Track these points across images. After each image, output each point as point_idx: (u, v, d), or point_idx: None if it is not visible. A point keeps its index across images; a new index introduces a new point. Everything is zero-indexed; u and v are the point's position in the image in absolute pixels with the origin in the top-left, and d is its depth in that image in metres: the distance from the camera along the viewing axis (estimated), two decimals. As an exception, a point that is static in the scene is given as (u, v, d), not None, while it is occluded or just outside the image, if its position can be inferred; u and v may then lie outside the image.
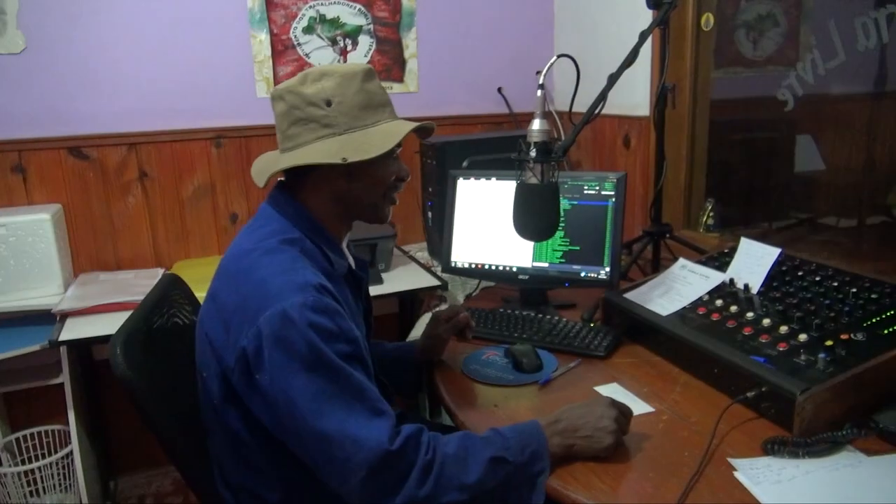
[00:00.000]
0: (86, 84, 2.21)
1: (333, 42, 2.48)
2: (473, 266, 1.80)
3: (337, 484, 0.98)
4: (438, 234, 2.03)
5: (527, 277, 1.74)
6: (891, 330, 1.18)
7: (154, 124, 2.30)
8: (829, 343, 1.16)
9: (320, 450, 0.98)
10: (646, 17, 2.09)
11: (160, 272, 2.26)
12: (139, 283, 2.08)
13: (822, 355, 1.13)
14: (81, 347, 2.10)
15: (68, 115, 2.20)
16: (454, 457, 0.99)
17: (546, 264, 1.72)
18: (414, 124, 1.19)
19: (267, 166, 1.18)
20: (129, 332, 1.14)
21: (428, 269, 2.27)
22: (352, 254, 1.31)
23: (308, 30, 2.43)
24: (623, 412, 1.09)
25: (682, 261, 1.60)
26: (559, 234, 1.69)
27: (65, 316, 1.90)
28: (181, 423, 1.15)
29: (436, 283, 2.12)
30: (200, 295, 1.89)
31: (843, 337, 1.17)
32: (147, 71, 2.26)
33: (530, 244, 1.72)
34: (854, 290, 1.32)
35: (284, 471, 1.10)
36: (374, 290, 2.06)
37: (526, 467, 1.01)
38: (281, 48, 2.41)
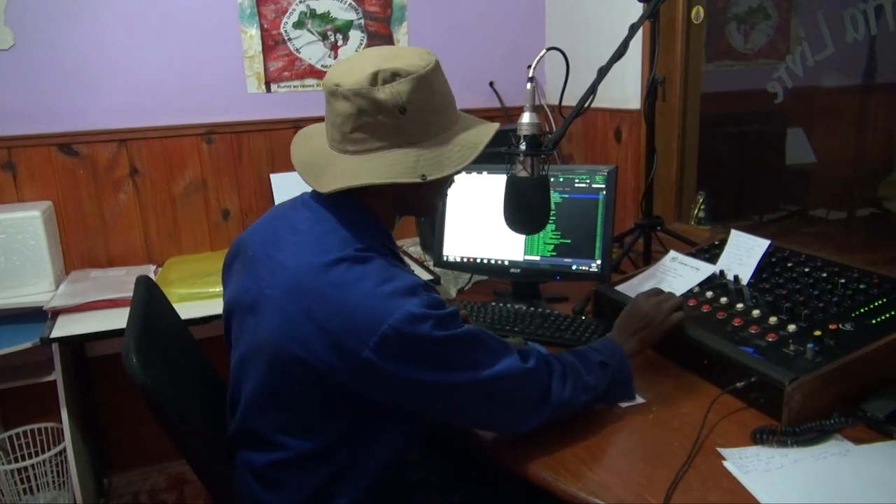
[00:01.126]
0: (76, 80, 2.20)
1: (324, 37, 2.47)
2: (465, 260, 1.81)
3: (508, 418, 1.08)
4: (430, 228, 2.04)
5: (518, 271, 1.75)
6: (878, 320, 1.19)
7: (144, 120, 2.29)
8: (817, 333, 1.17)
9: (482, 404, 1.05)
10: (637, 10, 2.09)
11: (152, 269, 2.26)
12: (131, 280, 2.05)
13: (810, 345, 1.14)
14: (74, 344, 2.10)
15: (58, 111, 2.19)
16: (573, 365, 1.15)
17: (538, 257, 1.72)
18: (489, 132, 1.13)
19: (324, 168, 1.09)
20: (137, 338, 1.11)
21: (420, 263, 2.27)
22: None
23: (299, 25, 2.43)
24: (657, 293, 1.36)
25: (672, 253, 1.61)
26: (550, 227, 1.70)
27: (56, 313, 1.90)
28: (194, 420, 1.14)
29: (428, 277, 2.12)
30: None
31: (832, 327, 1.18)
32: (137, 67, 2.25)
33: (522, 238, 1.73)
34: (842, 280, 1.33)
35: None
36: (366, 285, 2.07)
37: (619, 369, 1.20)
38: (272, 43, 2.40)
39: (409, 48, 1.10)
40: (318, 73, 2.48)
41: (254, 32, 2.37)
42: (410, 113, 1.03)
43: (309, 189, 1.14)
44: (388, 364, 0.96)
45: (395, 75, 1.02)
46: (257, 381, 1.07)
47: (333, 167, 1.07)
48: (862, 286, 1.30)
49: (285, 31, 2.41)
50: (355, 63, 1.05)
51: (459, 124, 1.13)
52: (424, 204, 1.17)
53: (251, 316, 1.08)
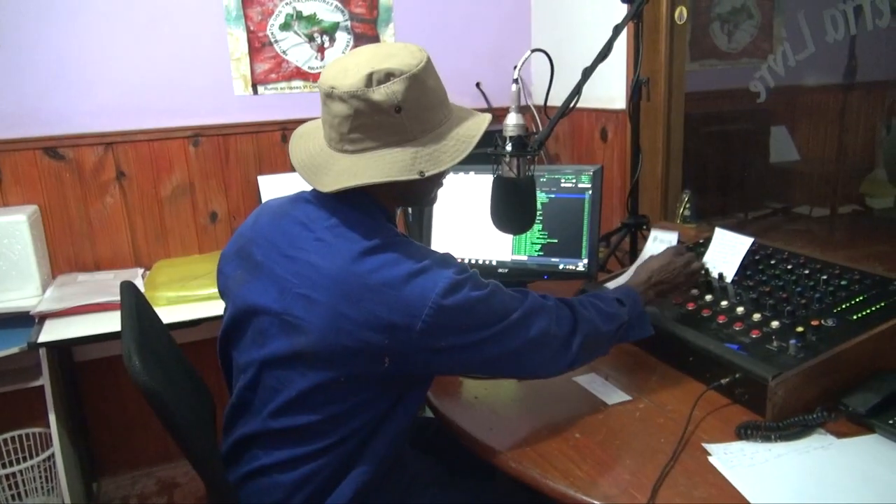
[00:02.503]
0: (60, 83, 2.19)
1: (311, 39, 2.47)
2: (453, 260, 1.81)
3: (544, 356, 1.13)
4: (418, 229, 2.04)
5: (506, 271, 1.76)
6: (860, 315, 1.21)
7: (130, 123, 2.29)
8: (800, 329, 1.18)
9: (522, 343, 1.09)
10: (621, 11, 2.10)
11: (140, 272, 2.25)
12: (118, 284, 2.06)
13: (793, 341, 1.16)
14: (61, 349, 2.09)
15: (43, 114, 2.18)
16: (590, 299, 1.23)
17: (525, 257, 1.74)
18: (482, 124, 1.15)
19: (323, 168, 1.11)
20: (136, 340, 1.12)
21: (409, 264, 2.27)
22: None
23: (285, 27, 2.43)
24: (680, 252, 1.43)
25: (654, 232, 1.63)
26: (537, 227, 1.71)
27: (43, 318, 1.89)
28: (192, 421, 1.14)
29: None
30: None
31: (814, 323, 1.20)
32: (122, 69, 2.25)
33: (509, 238, 1.74)
34: (825, 277, 1.35)
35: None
36: (355, 287, 2.07)
37: (634, 307, 1.26)
38: (258, 45, 2.40)
39: (401, 45, 1.12)
40: (305, 75, 2.49)
41: (240, 34, 2.37)
42: (406, 111, 1.05)
43: (307, 188, 1.17)
44: (442, 332, 1.03)
45: (389, 75, 1.04)
46: (296, 382, 1.08)
47: (333, 167, 1.10)
48: (844, 282, 1.32)
49: (272, 33, 2.41)
50: (349, 63, 1.07)
51: (453, 118, 1.15)
52: (424, 196, 1.22)
53: (281, 321, 1.08)
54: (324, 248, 1.07)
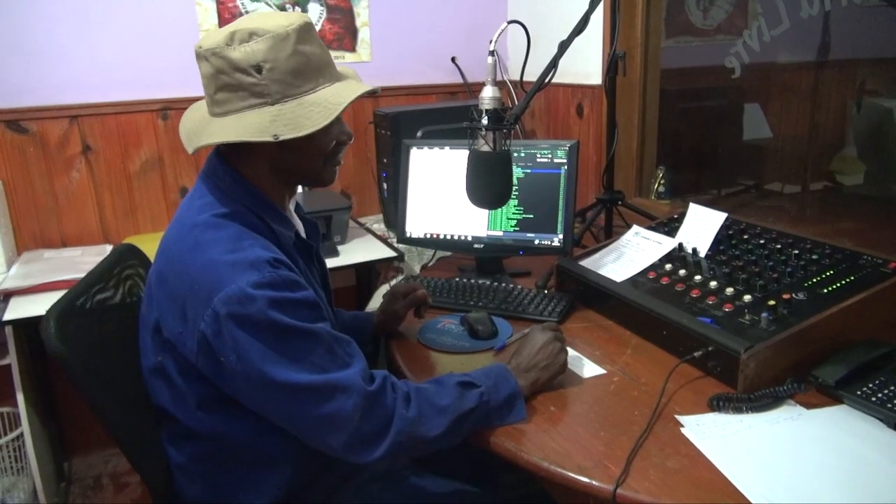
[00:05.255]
0: (23, 54, 2.11)
1: (282, 10, 2.42)
2: (429, 236, 1.80)
3: (337, 442, 0.99)
4: (394, 205, 2.03)
5: (482, 246, 1.75)
6: (829, 289, 1.23)
7: (97, 96, 2.22)
8: (771, 303, 1.20)
9: (308, 413, 0.98)
10: (597, -16, 2.09)
11: (108, 248, 2.20)
12: (86, 261, 2.02)
13: (765, 314, 1.17)
14: (28, 327, 2.04)
15: (5, 87, 2.11)
16: (426, 388, 1.08)
17: (501, 233, 1.73)
18: (356, 91, 1.09)
19: (196, 132, 1.08)
20: (63, 307, 1.09)
21: (384, 240, 2.26)
22: (302, 216, 1.27)
23: (256, -3, 2.37)
24: (554, 329, 1.23)
25: (635, 227, 1.63)
26: (513, 202, 1.70)
27: (8, 295, 1.84)
28: (125, 398, 1.11)
29: (392, 254, 2.12)
30: None
31: (785, 297, 1.21)
32: (88, 40, 2.18)
33: (485, 213, 1.73)
34: (796, 252, 1.37)
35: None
36: (330, 263, 2.05)
37: (497, 389, 1.10)
38: (228, 16, 2.34)
39: (287, 13, 1.08)
40: (277, 48, 2.43)
41: (209, 5, 2.31)
42: (268, 72, 1.02)
43: None
44: (217, 341, 0.95)
45: (252, 35, 1.01)
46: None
47: (203, 131, 1.07)
48: (814, 257, 1.34)
49: (242, 3, 2.35)
50: (220, 29, 1.06)
51: (331, 86, 1.09)
52: (302, 169, 1.13)
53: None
54: (171, 224, 1.10)
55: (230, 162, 1.10)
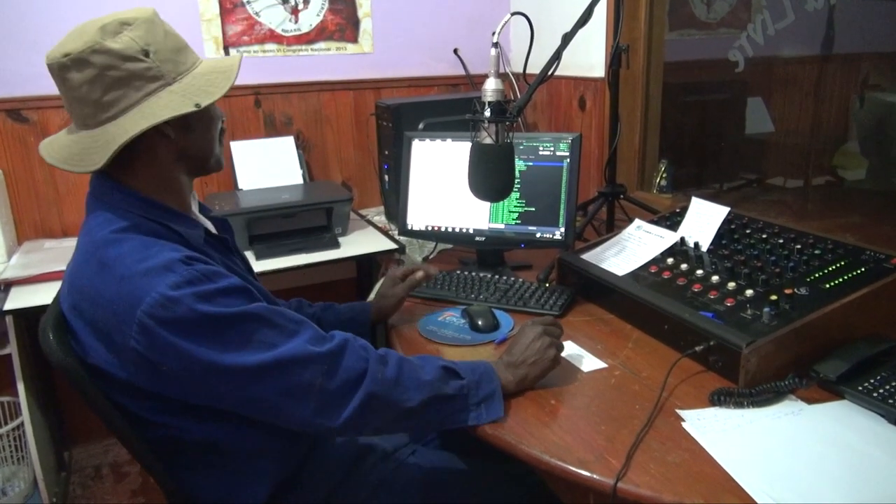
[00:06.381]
0: (24, 43, 2.10)
1: (284, 0, 2.41)
2: (430, 229, 1.80)
3: (306, 411, 0.98)
4: (395, 197, 2.02)
5: (483, 239, 1.75)
6: (832, 284, 1.23)
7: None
8: (773, 297, 1.19)
9: (271, 390, 0.97)
10: (601, -24, 2.08)
11: (109, 239, 2.20)
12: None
13: (766, 309, 1.17)
14: (29, 317, 2.04)
15: (5, 75, 2.10)
16: (410, 360, 1.08)
17: (502, 226, 1.73)
18: (233, 59, 1.09)
19: (85, 150, 0.99)
20: (58, 314, 1.06)
21: (385, 232, 2.26)
22: (209, 216, 1.23)
23: (258, -13, 2.36)
24: (546, 324, 1.21)
25: (637, 221, 1.62)
26: (515, 195, 1.70)
27: (9, 285, 1.84)
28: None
29: (393, 246, 2.12)
30: None
31: (787, 291, 1.21)
32: (88, 29, 2.17)
33: (487, 206, 1.73)
34: (798, 246, 1.36)
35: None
36: (331, 255, 2.06)
37: (479, 385, 1.09)
38: (230, 6, 2.33)
39: (122, 11, 1.03)
40: (279, 38, 2.42)
41: (211, -5, 2.30)
42: (154, 55, 1.00)
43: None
44: (157, 352, 0.92)
45: (123, 24, 0.99)
46: None
47: (99, 140, 0.98)
48: (817, 252, 1.33)
49: (244, -7, 2.34)
50: (72, 34, 1.00)
51: (200, 60, 1.10)
52: (205, 155, 1.10)
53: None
54: (73, 256, 1.05)
55: (112, 177, 1.04)
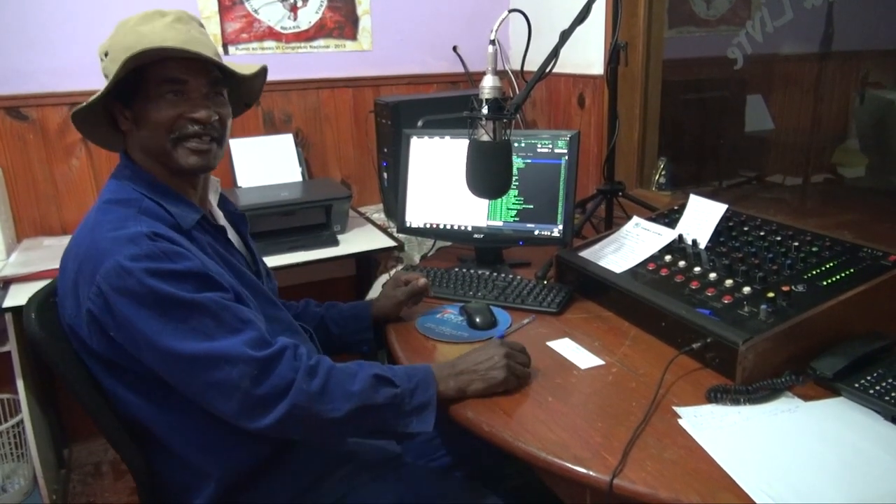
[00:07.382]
0: (22, 41, 2.10)
1: (283, -2, 2.41)
2: (429, 226, 1.80)
3: (229, 408, 1.01)
4: (394, 194, 2.02)
5: (482, 236, 1.75)
6: (829, 281, 1.23)
7: (96, 83, 2.18)
8: (770, 295, 1.19)
9: (199, 380, 1.00)
10: (600, -26, 2.08)
11: (108, 236, 2.20)
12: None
13: (764, 307, 1.17)
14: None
15: (4, 73, 2.10)
16: (339, 369, 1.08)
17: (500, 223, 1.73)
18: (175, 42, 1.10)
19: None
20: (43, 297, 1.16)
21: (384, 230, 2.26)
22: (227, 210, 1.32)
23: (256, -15, 2.36)
24: (514, 349, 1.18)
25: (635, 219, 1.62)
26: (513, 192, 1.70)
27: (8, 282, 1.84)
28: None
29: (392, 244, 2.12)
30: None
31: (785, 289, 1.21)
32: (87, 27, 2.17)
33: (485, 203, 1.73)
34: (796, 244, 1.36)
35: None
36: (330, 252, 2.06)
37: (413, 394, 1.09)
38: (228, 4, 2.33)
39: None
40: (278, 36, 2.42)
41: (210, -8, 2.29)
42: (110, 55, 1.13)
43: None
44: (107, 316, 0.99)
45: (116, 27, 1.18)
46: None
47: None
48: (814, 249, 1.34)
49: (242, -10, 2.34)
50: None
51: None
52: (153, 145, 1.13)
53: None
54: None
55: (127, 153, 1.17)
